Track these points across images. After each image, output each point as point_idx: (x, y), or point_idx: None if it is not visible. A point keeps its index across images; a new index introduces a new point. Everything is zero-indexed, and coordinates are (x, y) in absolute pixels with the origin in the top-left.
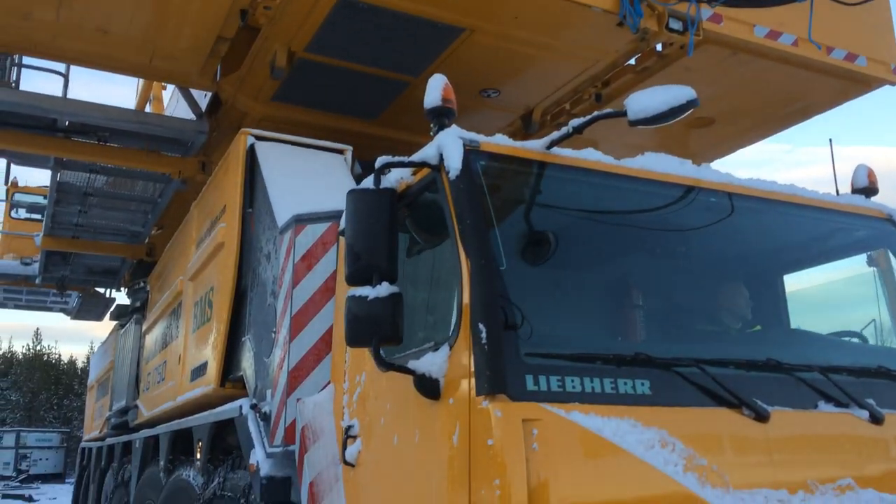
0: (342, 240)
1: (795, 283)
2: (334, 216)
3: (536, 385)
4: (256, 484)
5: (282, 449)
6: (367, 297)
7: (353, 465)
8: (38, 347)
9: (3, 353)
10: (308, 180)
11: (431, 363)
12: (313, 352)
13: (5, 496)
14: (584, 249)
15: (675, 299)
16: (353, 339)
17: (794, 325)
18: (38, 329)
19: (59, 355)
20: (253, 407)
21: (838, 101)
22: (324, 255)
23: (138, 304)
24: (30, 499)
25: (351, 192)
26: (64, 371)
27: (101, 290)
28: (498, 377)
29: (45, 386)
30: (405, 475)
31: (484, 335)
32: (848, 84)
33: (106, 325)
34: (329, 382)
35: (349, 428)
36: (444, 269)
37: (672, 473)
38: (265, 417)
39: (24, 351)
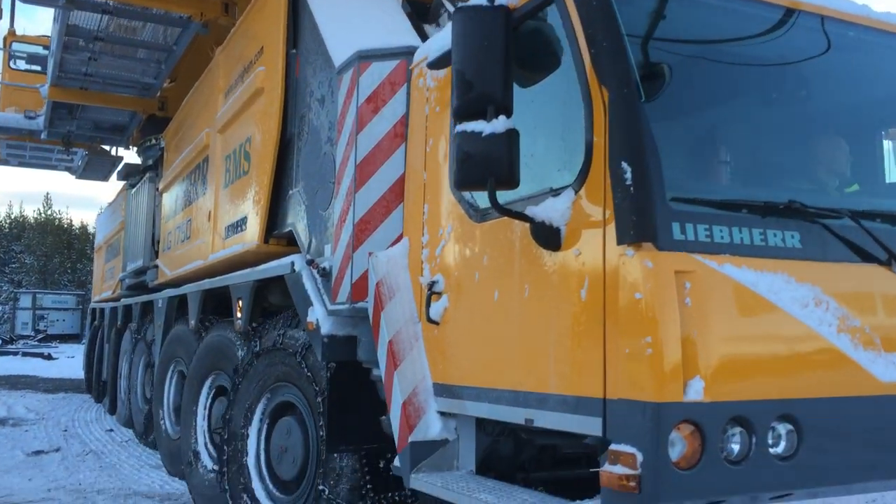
0: (420, 75)
1: None
2: (403, 53)
3: (683, 234)
4: (317, 343)
5: (348, 306)
6: (480, 132)
7: (437, 323)
8: (49, 212)
9: (15, 217)
10: (360, 17)
11: (552, 210)
12: (382, 203)
13: (25, 354)
14: (729, 85)
15: (823, 146)
16: (464, 181)
17: None
18: (48, 194)
19: (71, 220)
20: (310, 263)
21: None
22: (392, 96)
23: (150, 161)
24: (49, 357)
25: (460, 10)
26: (76, 236)
27: (108, 149)
28: (645, 224)
29: (57, 250)
30: (509, 333)
31: (628, 176)
32: None
33: (112, 188)
34: (400, 236)
35: (433, 284)
36: (565, 103)
37: (826, 334)
38: (325, 274)
39: (36, 216)
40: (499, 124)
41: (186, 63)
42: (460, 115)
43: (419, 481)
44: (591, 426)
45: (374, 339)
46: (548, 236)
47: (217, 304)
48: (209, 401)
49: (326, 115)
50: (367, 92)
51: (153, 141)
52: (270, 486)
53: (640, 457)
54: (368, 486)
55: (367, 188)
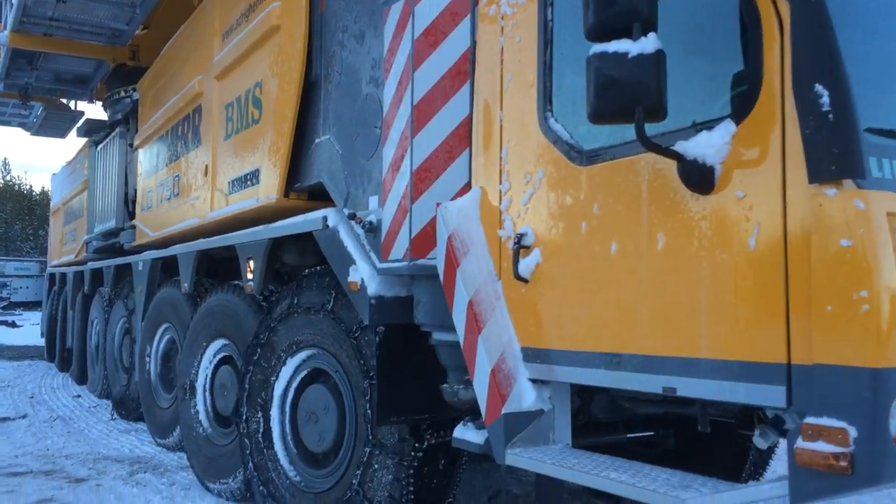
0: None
1: None
2: None
3: (881, 171)
4: (363, 305)
5: (407, 263)
6: (626, 54)
7: (525, 281)
8: (8, 178)
9: None
10: None
11: (707, 145)
12: (444, 148)
13: None
14: None
15: None
16: (604, 111)
17: None
18: (5, 159)
19: (31, 186)
20: (352, 217)
21: None
22: (454, 28)
23: (120, 116)
24: (13, 324)
25: None
26: (37, 202)
27: (68, 103)
28: (848, 158)
29: (18, 217)
30: (634, 291)
31: (825, 101)
32: None
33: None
34: (466, 185)
35: (520, 237)
36: (714, 19)
37: None
38: (372, 229)
39: None
40: (647, 44)
41: (163, 8)
42: (599, 34)
43: (519, 457)
44: (767, 396)
45: (448, 300)
46: (699, 177)
47: (211, 266)
48: (212, 369)
49: (368, 53)
50: (424, 24)
51: (123, 93)
52: (299, 460)
53: (852, 432)
54: (419, 458)
55: (426, 132)
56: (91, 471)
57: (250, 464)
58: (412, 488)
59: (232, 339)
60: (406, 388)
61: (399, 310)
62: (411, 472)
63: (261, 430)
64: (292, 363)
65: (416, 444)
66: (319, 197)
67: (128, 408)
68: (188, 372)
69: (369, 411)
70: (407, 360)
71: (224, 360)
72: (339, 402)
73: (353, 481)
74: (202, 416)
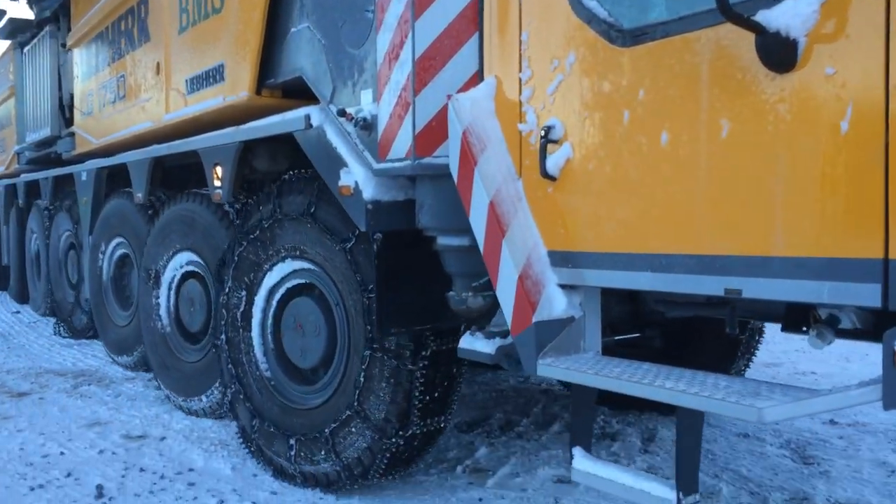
0: None
1: None
2: None
3: None
4: (357, 210)
5: (410, 163)
6: None
7: (553, 179)
8: None
9: None
10: None
11: (792, 14)
12: (450, 34)
13: None
14: None
15: None
16: None
17: None
18: None
19: None
20: (341, 114)
21: None
22: None
23: (48, 13)
24: None
25: None
26: None
27: None
28: None
29: None
30: (690, 184)
31: None
32: None
33: None
34: (475, 75)
35: (548, 130)
36: None
37: None
38: (366, 126)
39: None
40: None
41: None
42: None
43: (554, 368)
44: (858, 295)
45: (464, 202)
46: (781, 52)
47: (165, 175)
48: (175, 283)
49: None
50: None
51: None
52: (285, 378)
53: None
54: (421, 369)
55: (429, 15)
56: (33, 384)
57: (234, 384)
58: (416, 402)
59: (198, 253)
60: (407, 297)
61: (398, 214)
62: (414, 384)
63: (242, 348)
64: (273, 276)
65: (418, 355)
66: (294, 94)
67: (77, 325)
68: (148, 287)
69: (367, 324)
70: (406, 267)
71: (190, 274)
72: (329, 317)
73: (352, 400)
74: (170, 334)
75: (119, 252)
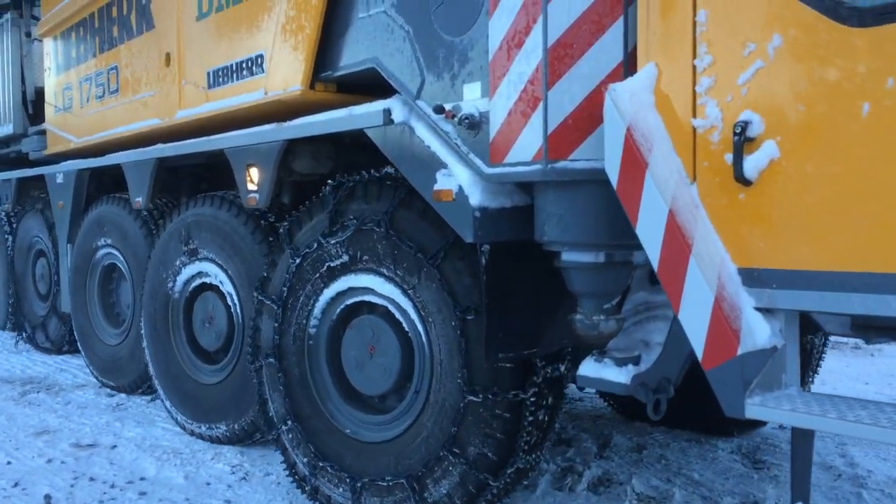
0: None
1: None
2: None
3: None
4: (462, 218)
5: (541, 167)
6: None
7: (747, 184)
8: None
9: None
10: None
11: None
12: (591, 17)
13: None
14: None
15: None
16: None
17: None
18: None
19: None
20: (439, 111)
21: None
22: None
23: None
24: None
25: None
26: None
27: None
28: None
29: None
30: None
31: None
32: None
33: None
34: (620, 62)
35: (745, 126)
36: None
37: None
38: (473, 125)
39: None
40: None
41: None
42: None
43: (769, 410)
44: None
45: (629, 211)
46: None
47: (168, 180)
48: (186, 297)
49: None
50: None
51: None
52: (344, 405)
53: None
54: (525, 400)
55: None
56: None
57: (282, 403)
58: (524, 434)
59: (219, 264)
60: (517, 318)
61: (506, 224)
62: (523, 414)
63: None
64: (329, 293)
65: (528, 382)
66: (347, 89)
67: (53, 340)
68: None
69: (463, 349)
70: (515, 284)
71: (205, 287)
72: (403, 339)
73: (447, 436)
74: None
75: (105, 263)
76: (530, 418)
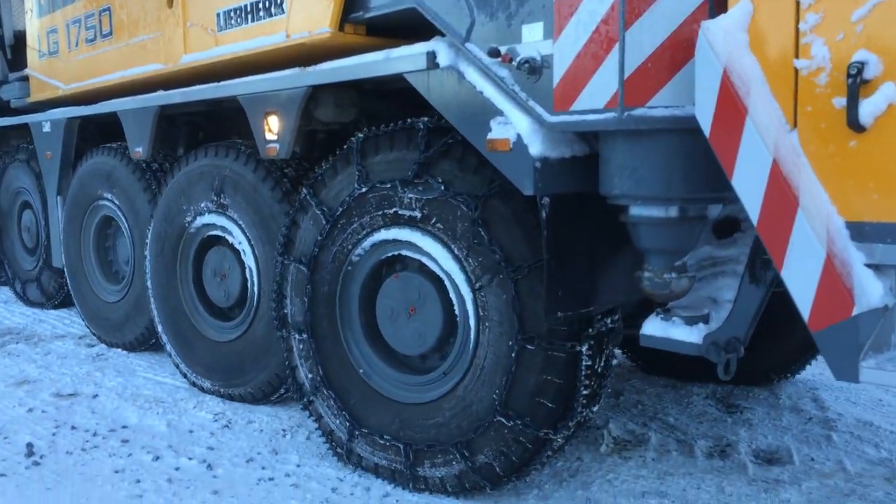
0: None
1: None
2: None
3: None
4: (521, 169)
5: (616, 115)
6: None
7: (862, 130)
8: None
9: None
10: None
11: None
12: None
13: None
14: None
15: None
16: None
17: None
18: None
19: None
20: (493, 54)
21: None
22: None
23: None
24: None
25: None
26: None
27: None
28: None
29: None
30: None
31: None
32: None
33: None
34: (703, 1)
35: (861, 67)
36: None
37: None
38: (533, 69)
39: None
40: None
41: None
42: None
43: (887, 373)
44: None
45: (725, 161)
46: None
47: (168, 130)
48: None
49: None
50: None
51: None
52: (382, 364)
53: None
54: (588, 350)
55: None
56: None
57: (311, 364)
58: (582, 388)
59: (231, 217)
60: (574, 275)
61: (566, 175)
62: (580, 367)
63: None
64: (364, 248)
65: (584, 335)
66: (376, 32)
67: (46, 294)
68: (159, 262)
69: (517, 306)
70: (574, 239)
71: (213, 241)
72: (443, 295)
73: (500, 394)
74: (197, 313)
75: (100, 215)
76: (587, 371)
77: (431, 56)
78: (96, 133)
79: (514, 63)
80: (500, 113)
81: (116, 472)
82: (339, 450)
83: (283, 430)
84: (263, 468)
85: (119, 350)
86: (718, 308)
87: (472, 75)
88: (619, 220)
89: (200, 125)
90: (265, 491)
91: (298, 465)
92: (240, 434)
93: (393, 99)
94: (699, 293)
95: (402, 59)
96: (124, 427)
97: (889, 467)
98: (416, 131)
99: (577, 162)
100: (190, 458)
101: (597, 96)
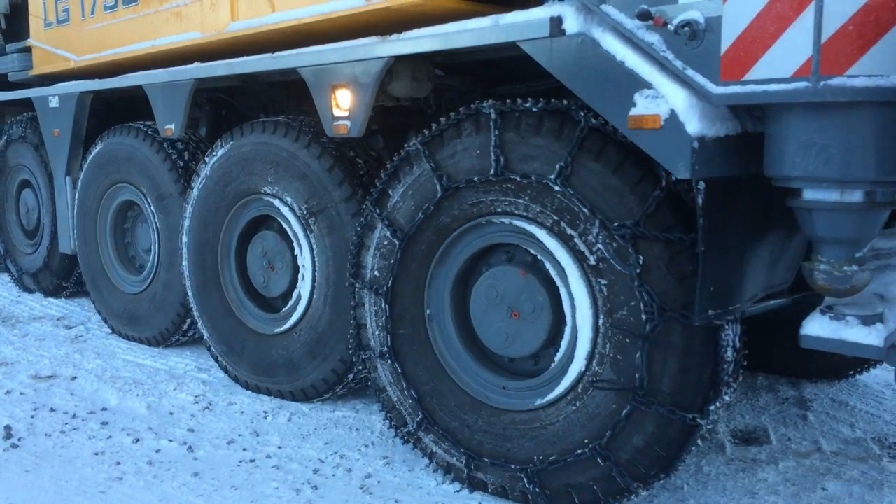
0: None
1: None
2: None
3: None
4: (675, 150)
5: (809, 84)
6: None
7: None
8: None
9: None
10: None
11: None
12: None
13: None
14: None
15: None
16: None
17: None
18: None
19: None
20: (644, 16)
21: None
22: None
23: None
24: None
25: None
26: None
27: None
28: None
29: None
30: None
31: None
32: None
33: None
34: None
35: None
36: None
37: None
38: (694, 34)
39: None
40: None
41: None
42: None
43: None
44: None
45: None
46: None
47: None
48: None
49: None
50: None
51: None
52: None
53: None
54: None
55: None
56: None
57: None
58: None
59: (283, 200)
60: (727, 268)
61: (724, 156)
62: (713, 348)
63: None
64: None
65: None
66: None
67: (43, 281)
68: (200, 251)
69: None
70: (728, 229)
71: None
72: (552, 291)
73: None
74: (243, 304)
75: (119, 199)
76: (728, 349)
77: (556, 22)
78: (102, 110)
79: (672, 27)
80: (647, 86)
81: (96, 454)
82: (461, 476)
83: (265, 412)
84: (244, 450)
85: (95, 331)
86: (890, 305)
87: (610, 42)
88: (787, 204)
89: (222, 101)
90: (246, 472)
91: (280, 447)
92: (221, 416)
93: (474, 72)
94: (866, 289)
95: (518, 25)
96: (104, 409)
97: (863, 446)
98: (575, 123)
99: (732, 141)
100: (170, 441)
101: (781, 64)
